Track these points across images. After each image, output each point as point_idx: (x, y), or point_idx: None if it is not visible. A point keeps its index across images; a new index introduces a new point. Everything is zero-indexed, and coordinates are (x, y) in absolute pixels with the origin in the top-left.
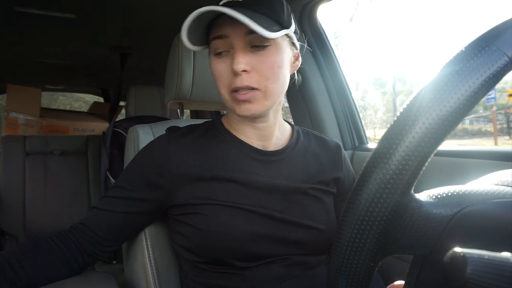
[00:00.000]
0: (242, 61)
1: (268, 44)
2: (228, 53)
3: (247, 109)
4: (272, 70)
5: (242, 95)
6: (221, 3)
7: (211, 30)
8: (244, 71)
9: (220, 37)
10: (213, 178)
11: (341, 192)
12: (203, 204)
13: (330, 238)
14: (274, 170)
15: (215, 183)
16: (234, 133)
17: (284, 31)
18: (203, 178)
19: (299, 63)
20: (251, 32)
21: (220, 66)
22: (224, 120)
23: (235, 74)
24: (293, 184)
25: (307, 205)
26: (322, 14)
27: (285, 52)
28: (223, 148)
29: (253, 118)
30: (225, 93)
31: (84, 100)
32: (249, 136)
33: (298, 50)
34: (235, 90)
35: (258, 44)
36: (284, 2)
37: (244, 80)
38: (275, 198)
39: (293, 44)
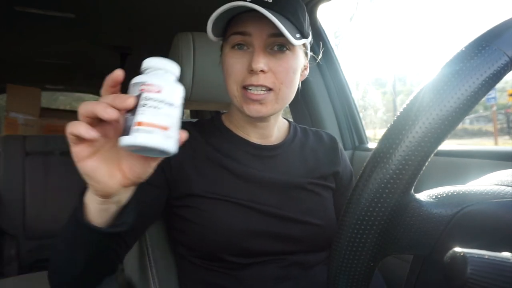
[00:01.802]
0: (262, 61)
1: (287, 49)
2: (247, 49)
3: (256, 110)
4: (288, 75)
5: (255, 95)
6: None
7: (232, 24)
8: (261, 71)
9: (242, 33)
10: (209, 171)
11: (340, 187)
12: (200, 197)
13: (328, 234)
14: (271, 165)
15: (212, 176)
16: (234, 130)
17: (303, 40)
18: (199, 173)
19: (307, 72)
20: (274, 34)
21: (235, 61)
22: (224, 118)
23: (252, 72)
24: (290, 178)
25: (304, 200)
26: (322, 14)
27: (300, 59)
28: (220, 143)
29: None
30: (234, 89)
31: (84, 100)
32: (249, 134)
33: (308, 61)
34: (247, 88)
35: (278, 47)
36: (306, 13)
37: (260, 79)
38: (272, 193)
39: (305, 53)
